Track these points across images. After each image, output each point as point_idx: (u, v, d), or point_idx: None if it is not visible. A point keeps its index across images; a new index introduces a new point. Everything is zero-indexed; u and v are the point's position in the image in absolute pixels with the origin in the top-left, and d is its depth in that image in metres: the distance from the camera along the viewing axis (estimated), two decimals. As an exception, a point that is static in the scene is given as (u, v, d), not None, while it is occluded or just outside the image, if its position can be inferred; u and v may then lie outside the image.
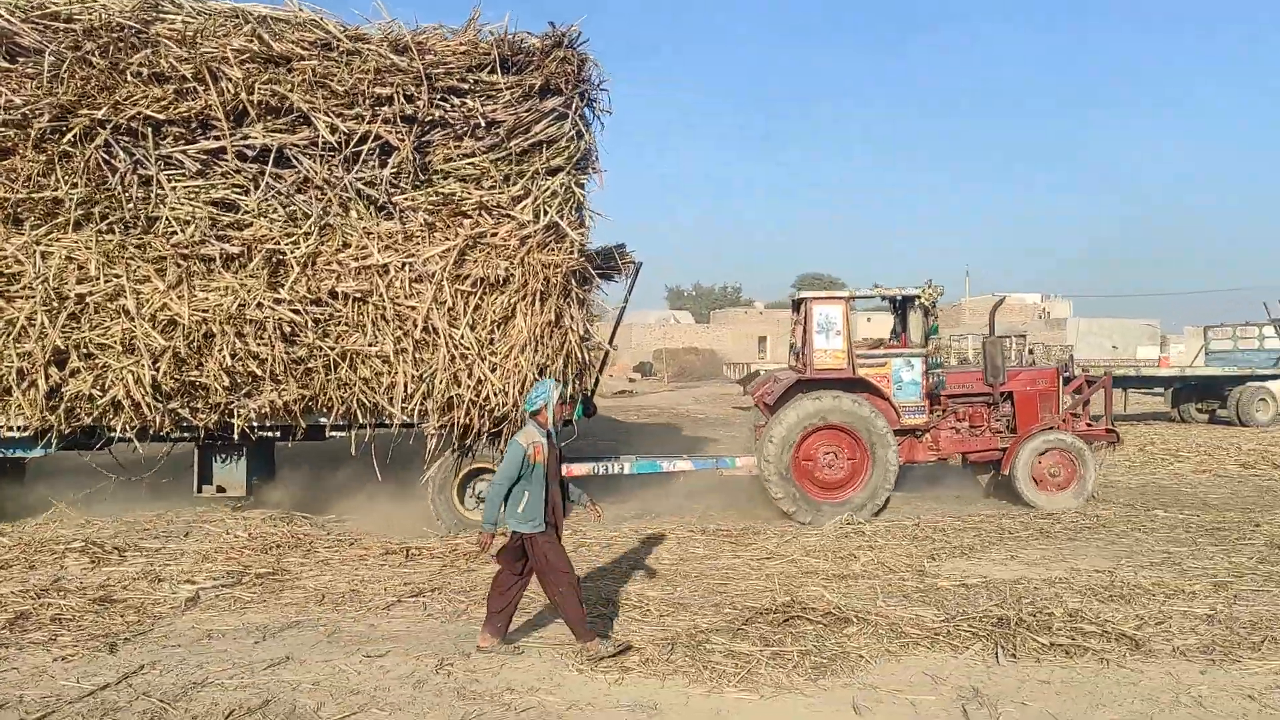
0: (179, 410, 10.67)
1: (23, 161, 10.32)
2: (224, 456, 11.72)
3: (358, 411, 10.89)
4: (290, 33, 10.45)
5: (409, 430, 11.18)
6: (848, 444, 12.35)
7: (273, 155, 10.40)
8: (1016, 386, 13.25)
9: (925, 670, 6.33)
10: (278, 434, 11.40)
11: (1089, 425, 13.36)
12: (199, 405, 10.69)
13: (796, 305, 13.53)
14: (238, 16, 10.69)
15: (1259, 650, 6.61)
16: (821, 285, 34.29)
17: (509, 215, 10.64)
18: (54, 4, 10.51)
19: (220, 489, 11.78)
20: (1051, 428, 12.88)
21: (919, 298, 13.00)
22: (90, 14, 10.44)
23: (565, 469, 12.12)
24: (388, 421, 10.96)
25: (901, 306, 13.47)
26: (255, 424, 10.90)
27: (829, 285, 32.57)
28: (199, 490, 11.74)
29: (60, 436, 10.75)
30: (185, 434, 11.12)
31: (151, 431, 10.86)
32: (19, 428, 10.73)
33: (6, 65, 10.22)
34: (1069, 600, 7.89)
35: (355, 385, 10.74)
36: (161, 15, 10.58)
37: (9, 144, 10.30)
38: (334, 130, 10.19)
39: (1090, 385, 14.05)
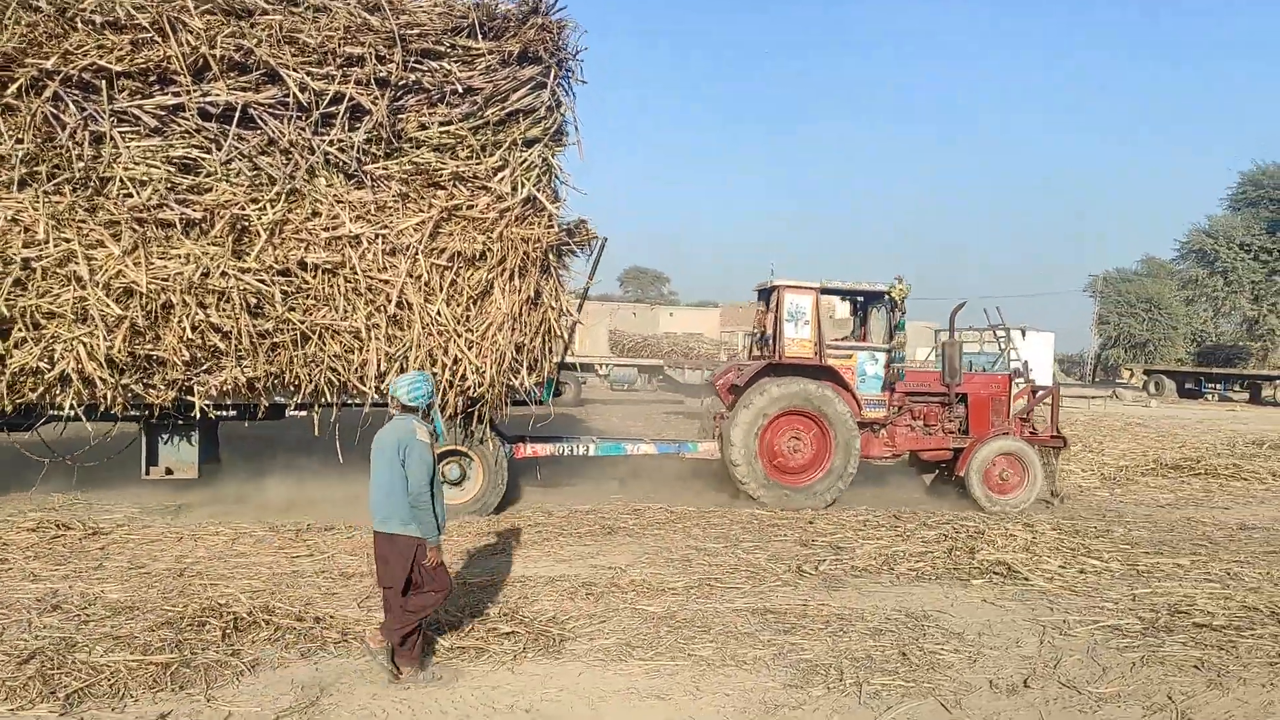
0: (132, 386, 10.06)
1: (-41, 118, 9.56)
2: (172, 437, 11.13)
3: (325, 389, 10.42)
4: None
5: (359, 410, 10.71)
6: (811, 431, 12.48)
7: (237, 115, 9.78)
8: (971, 389, 13.39)
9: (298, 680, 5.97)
10: (234, 414, 10.86)
11: (1034, 432, 13.52)
12: (155, 381, 10.11)
13: (764, 294, 13.54)
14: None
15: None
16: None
17: (485, 187, 10.22)
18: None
19: (169, 471, 11.20)
20: (1005, 433, 13.00)
21: (888, 293, 12.99)
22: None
23: (532, 449, 12.08)
24: (357, 401, 10.52)
25: (866, 301, 13.54)
26: (213, 402, 10.36)
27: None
28: (146, 473, 11.15)
29: None
30: (135, 412, 10.50)
31: (101, 409, 10.22)
32: None
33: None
34: (540, 600, 7.75)
35: (324, 362, 10.26)
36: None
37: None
38: (304, 88, 9.60)
39: (1038, 393, 14.20)
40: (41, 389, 9.92)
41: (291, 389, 10.41)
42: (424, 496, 5.95)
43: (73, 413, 10.11)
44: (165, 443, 11.13)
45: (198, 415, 10.40)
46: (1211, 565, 9.53)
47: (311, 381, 10.30)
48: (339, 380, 10.38)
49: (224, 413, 10.79)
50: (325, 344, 10.20)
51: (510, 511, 11.53)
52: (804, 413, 12.41)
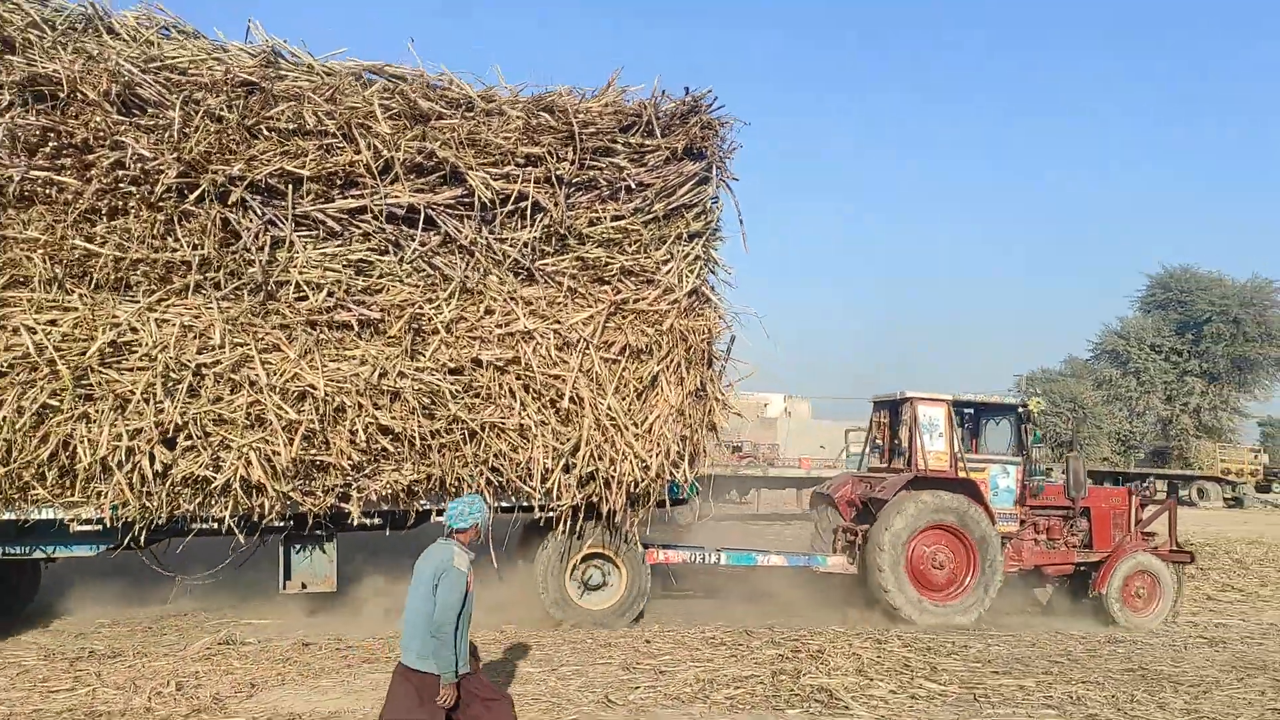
0: (291, 494, 9.85)
1: (137, 222, 9.52)
2: (306, 549, 10.80)
3: (484, 491, 10.35)
4: (426, 91, 10.14)
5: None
6: (953, 545, 12.45)
7: (421, 216, 9.93)
8: (1094, 503, 13.50)
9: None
10: (378, 523, 10.55)
11: (1159, 547, 13.44)
12: (315, 488, 9.91)
13: (884, 405, 13.96)
14: (356, 76, 10.32)
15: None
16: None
17: (650, 280, 10.48)
18: (172, 57, 9.87)
19: (303, 585, 10.84)
20: (1140, 550, 13.03)
21: (1020, 407, 13.45)
22: (210, 70, 9.87)
23: (664, 555, 11.99)
24: (516, 502, 10.48)
25: (982, 414, 13.87)
26: (367, 510, 10.17)
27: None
28: (283, 587, 10.76)
29: (145, 528, 9.68)
30: (281, 523, 10.17)
31: (252, 519, 9.90)
32: (93, 520, 9.64)
33: (121, 118, 9.45)
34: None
35: (487, 461, 10.23)
36: (281, 73, 10.08)
37: (120, 203, 9.52)
38: (487, 188, 9.85)
39: (1156, 505, 14.32)
40: (200, 498, 9.62)
41: (451, 491, 10.31)
42: (447, 627, 5.66)
43: (214, 525, 9.83)
44: (300, 555, 10.80)
45: (353, 523, 10.16)
46: (1057, 688, 8.88)
47: (473, 482, 10.25)
48: (498, 480, 10.34)
49: (370, 520, 10.58)
50: (490, 443, 10.21)
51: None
52: (947, 527, 12.37)
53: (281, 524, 10.20)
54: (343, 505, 10.04)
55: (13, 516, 9.52)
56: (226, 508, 9.71)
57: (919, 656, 9.86)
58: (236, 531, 9.93)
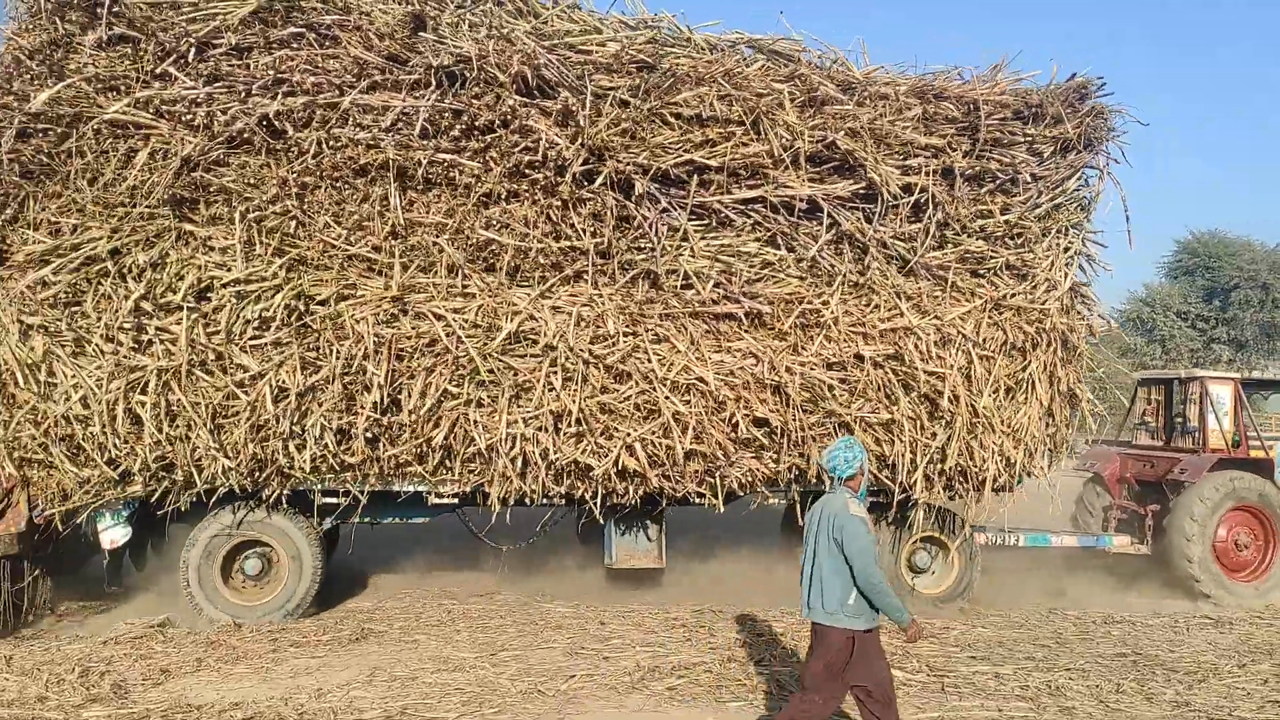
0: (654, 480, 9.67)
1: (533, 208, 9.13)
2: (630, 525, 10.74)
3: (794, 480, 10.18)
4: (820, 74, 9.72)
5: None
6: (1253, 525, 12.23)
7: (825, 210, 9.57)
8: None
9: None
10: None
11: None
12: (681, 474, 9.71)
13: (1154, 382, 13.87)
14: (743, 54, 9.90)
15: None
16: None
17: (1025, 275, 10.20)
18: (563, 32, 9.39)
19: (629, 561, 10.83)
20: None
21: None
22: (598, 46, 9.40)
23: (977, 538, 11.78)
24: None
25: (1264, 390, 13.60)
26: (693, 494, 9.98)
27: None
28: (610, 562, 10.82)
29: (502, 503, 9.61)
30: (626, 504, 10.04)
31: (611, 502, 9.87)
32: (451, 494, 9.78)
33: (526, 101, 8.99)
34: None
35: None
36: (666, 49, 9.61)
37: (516, 188, 9.12)
38: (886, 182, 9.49)
39: None
40: (570, 481, 9.61)
41: (813, 481, 10.11)
42: (874, 577, 5.44)
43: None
44: (625, 532, 10.76)
45: (720, 507, 10.05)
46: (1035, 676, 8.15)
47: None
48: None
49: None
50: (859, 437, 9.97)
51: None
52: (1248, 507, 12.10)
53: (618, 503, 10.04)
54: (698, 492, 9.88)
55: (377, 489, 9.59)
56: (591, 491, 9.69)
57: (892, 640, 8.87)
58: (597, 513, 9.87)
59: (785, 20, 10.07)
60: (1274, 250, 53.23)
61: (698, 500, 10.09)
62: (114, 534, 9.47)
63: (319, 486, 9.54)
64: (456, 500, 9.97)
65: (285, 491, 9.37)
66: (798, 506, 10.12)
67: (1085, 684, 8.02)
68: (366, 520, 10.09)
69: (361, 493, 9.50)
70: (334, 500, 9.72)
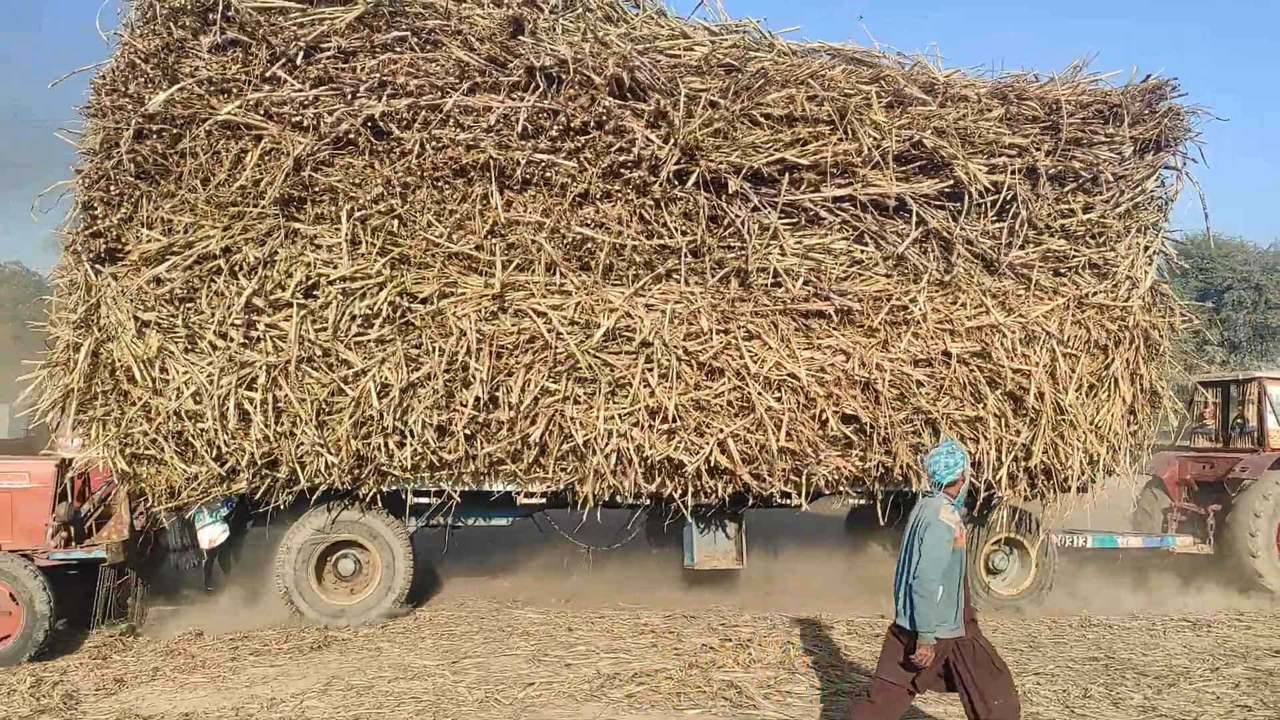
0: (744, 477, 9.75)
1: (626, 208, 9.31)
2: (709, 525, 10.79)
3: (912, 479, 10.20)
4: (904, 76, 9.92)
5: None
6: None
7: (891, 204, 9.76)
8: None
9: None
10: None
11: None
12: (769, 472, 9.78)
13: (1215, 385, 13.94)
14: (829, 56, 10.10)
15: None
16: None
17: (1106, 274, 10.33)
18: (651, 36, 9.61)
19: (710, 562, 10.87)
20: None
21: None
22: (682, 49, 9.62)
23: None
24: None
25: None
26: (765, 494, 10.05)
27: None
28: (691, 563, 10.85)
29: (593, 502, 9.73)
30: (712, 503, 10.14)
31: (698, 500, 9.94)
32: (540, 494, 9.91)
33: (619, 102, 9.18)
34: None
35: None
36: (749, 55, 9.80)
37: (609, 188, 9.29)
38: (973, 180, 9.63)
39: None
40: (660, 479, 9.69)
41: (898, 479, 10.17)
42: (928, 583, 5.37)
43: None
44: (704, 532, 10.79)
45: (803, 505, 10.23)
46: None
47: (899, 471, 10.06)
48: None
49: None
50: (939, 434, 10.04)
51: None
52: None
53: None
54: (784, 491, 9.95)
55: (469, 489, 9.70)
56: (678, 488, 9.75)
57: (862, 645, 8.95)
58: (685, 510, 9.94)
59: (864, 26, 10.29)
60: (1266, 252, 53.06)
61: (780, 500, 10.15)
62: (212, 533, 9.55)
63: (410, 486, 9.66)
64: (544, 500, 10.08)
65: (382, 490, 9.49)
66: (877, 506, 10.24)
67: (1053, 689, 7.76)
68: (444, 524, 10.10)
69: (455, 493, 9.60)
70: (424, 501, 9.84)
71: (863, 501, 10.69)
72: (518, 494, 9.91)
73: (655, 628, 9.65)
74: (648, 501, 10.12)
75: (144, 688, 7.74)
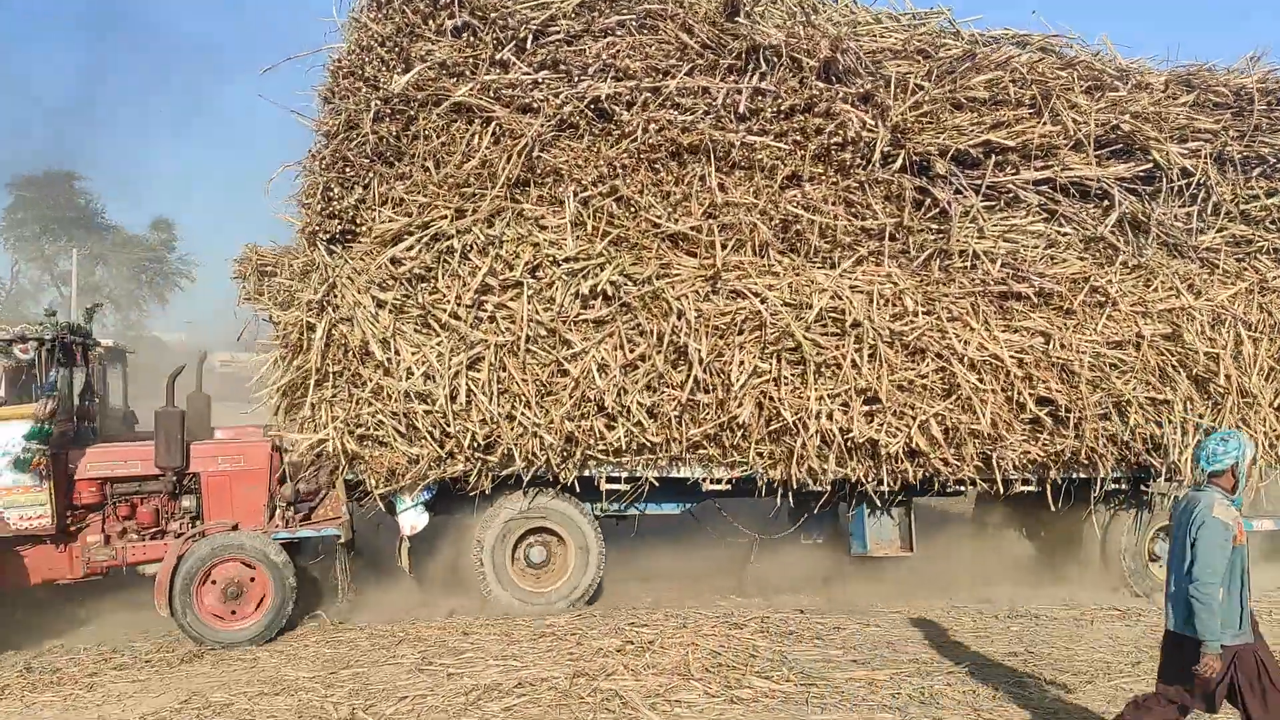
0: (935, 461, 9.78)
1: (832, 190, 9.39)
2: (875, 512, 10.75)
3: (1098, 463, 10.28)
4: (1095, 61, 10.08)
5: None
6: None
7: (1085, 188, 9.90)
8: None
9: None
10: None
11: None
12: (959, 455, 9.83)
13: None
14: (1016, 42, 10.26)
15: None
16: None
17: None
18: (848, 21, 9.75)
19: (877, 549, 10.86)
20: None
21: None
22: (887, 37, 9.78)
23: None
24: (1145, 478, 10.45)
25: None
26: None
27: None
28: (858, 550, 10.87)
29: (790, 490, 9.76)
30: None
31: (880, 484, 9.94)
32: (721, 480, 9.88)
33: (827, 86, 9.29)
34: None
35: (1115, 438, 10.14)
36: (941, 42, 9.95)
37: (815, 170, 9.39)
38: (1171, 164, 9.78)
39: None
40: (858, 461, 9.67)
41: (1084, 464, 10.22)
42: (1207, 587, 4.99)
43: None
44: (870, 519, 10.78)
45: (1000, 490, 10.14)
46: (912, 682, 7.41)
47: (1110, 457, 10.16)
48: (1126, 455, 10.24)
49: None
50: (1129, 417, 10.12)
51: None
52: None
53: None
54: (971, 478, 9.98)
55: (660, 474, 9.69)
56: (870, 472, 9.77)
57: (771, 645, 8.46)
58: (875, 496, 10.00)
59: (1041, 18, 10.47)
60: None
61: (953, 488, 10.23)
62: (413, 518, 9.53)
63: (603, 472, 9.68)
64: (730, 487, 10.07)
65: (585, 474, 9.51)
66: (1048, 495, 10.29)
67: (963, 690, 7.33)
68: (619, 511, 10.12)
69: (649, 478, 9.61)
70: (616, 487, 9.86)
71: (1033, 489, 10.70)
72: (704, 480, 9.90)
73: (554, 631, 8.89)
74: (827, 488, 10.09)
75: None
